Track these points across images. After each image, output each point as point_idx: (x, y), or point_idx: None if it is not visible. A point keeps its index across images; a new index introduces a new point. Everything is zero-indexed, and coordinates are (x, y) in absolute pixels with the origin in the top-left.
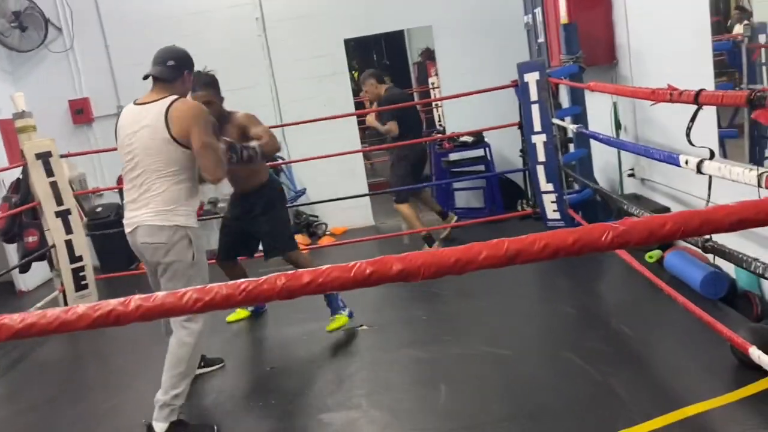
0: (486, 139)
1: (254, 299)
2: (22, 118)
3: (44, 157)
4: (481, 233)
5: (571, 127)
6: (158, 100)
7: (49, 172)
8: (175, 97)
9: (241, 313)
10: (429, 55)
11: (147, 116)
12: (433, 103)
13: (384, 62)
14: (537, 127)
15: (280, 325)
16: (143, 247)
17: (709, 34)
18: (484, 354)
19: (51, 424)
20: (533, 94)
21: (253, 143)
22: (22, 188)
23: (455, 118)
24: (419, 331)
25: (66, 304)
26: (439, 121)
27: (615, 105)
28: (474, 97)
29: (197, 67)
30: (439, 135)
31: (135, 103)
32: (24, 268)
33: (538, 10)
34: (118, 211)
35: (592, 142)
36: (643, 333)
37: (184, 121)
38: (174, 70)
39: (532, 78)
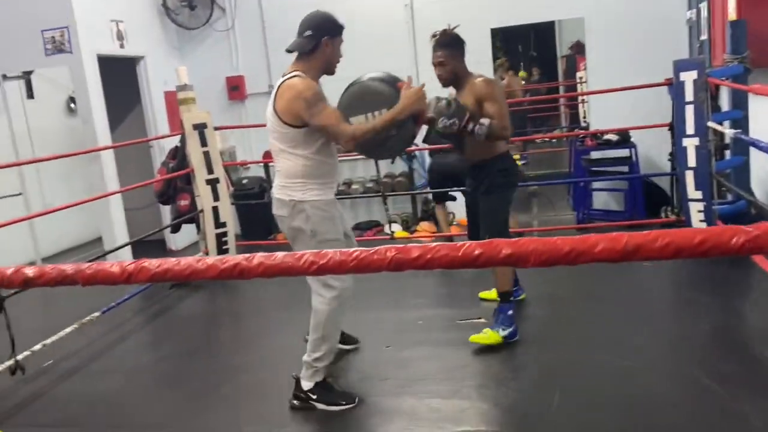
0: (632, 139)
1: (365, 268)
2: (183, 91)
3: (200, 128)
4: None
5: (729, 132)
6: (286, 74)
7: (204, 143)
8: (294, 74)
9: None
10: (579, 48)
11: (274, 90)
12: (579, 98)
13: (531, 53)
14: (690, 129)
15: (400, 309)
16: (276, 217)
17: None
18: (605, 363)
19: (186, 375)
20: (689, 94)
21: (483, 120)
22: (179, 155)
23: (601, 115)
24: (538, 330)
25: None
26: (584, 117)
27: None
28: (622, 94)
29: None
30: (581, 131)
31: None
32: (175, 229)
33: (703, 5)
34: (261, 184)
35: (753, 150)
36: None
37: (287, 101)
38: (311, 40)
39: (689, 77)
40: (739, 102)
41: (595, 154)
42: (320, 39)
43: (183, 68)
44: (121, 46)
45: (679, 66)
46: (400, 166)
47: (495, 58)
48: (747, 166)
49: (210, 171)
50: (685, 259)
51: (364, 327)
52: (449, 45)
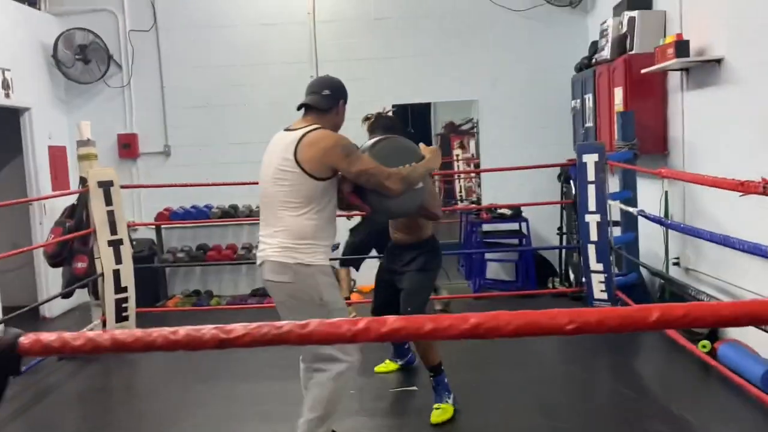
0: (523, 214)
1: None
2: (86, 146)
3: (106, 186)
4: (511, 306)
5: (633, 211)
6: (302, 127)
7: (108, 201)
8: (316, 127)
9: (390, 365)
10: (453, 128)
11: (284, 142)
12: (456, 175)
13: (409, 130)
14: (592, 206)
15: None
16: (267, 284)
17: None
18: (542, 426)
19: None
20: (590, 175)
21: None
22: (77, 214)
23: (492, 190)
24: (471, 396)
25: None
26: (460, 191)
27: (666, 194)
28: (512, 172)
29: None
30: (474, 205)
31: (284, 129)
32: (67, 294)
33: (588, 96)
34: (151, 247)
35: (640, 226)
36: (706, 421)
37: (322, 151)
38: (329, 99)
39: (590, 159)
40: (629, 184)
41: (487, 227)
42: (338, 101)
43: (86, 123)
44: (7, 95)
45: (581, 149)
46: None
47: None
48: (636, 241)
49: (113, 231)
50: None
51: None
52: (391, 128)
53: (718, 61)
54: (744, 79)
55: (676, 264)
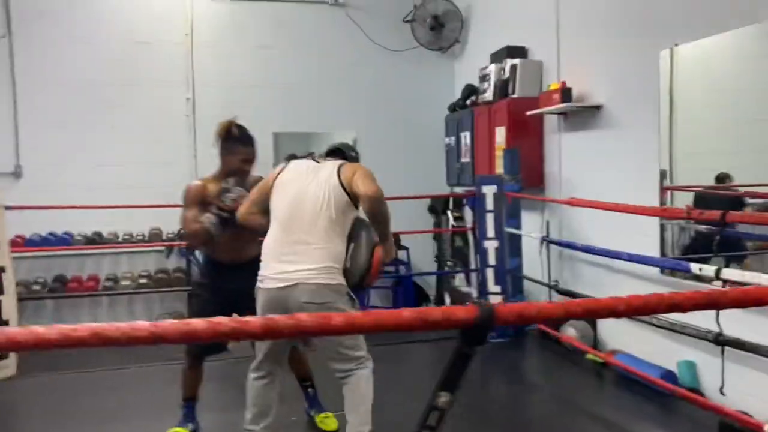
0: (402, 243)
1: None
2: None
3: None
4: None
5: (535, 236)
6: (326, 159)
7: None
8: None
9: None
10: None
11: (323, 168)
12: None
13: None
14: (490, 233)
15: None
16: (305, 306)
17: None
18: None
19: None
20: (489, 204)
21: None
22: None
23: None
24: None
25: None
26: None
27: (548, 222)
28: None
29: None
30: None
31: (306, 159)
32: None
33: (466, 134)
34: None
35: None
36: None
37: (362, 178)
38: (356, 157)
39: (489, 190)
40: (516, 213)
41: None
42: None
43: None
44: None
45: (481, 180)
46: (175, 260)
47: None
48: (521, 266)
49: None
50: None
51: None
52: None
53: (598, 107)
54: (620, 123)
55: (554, 286)
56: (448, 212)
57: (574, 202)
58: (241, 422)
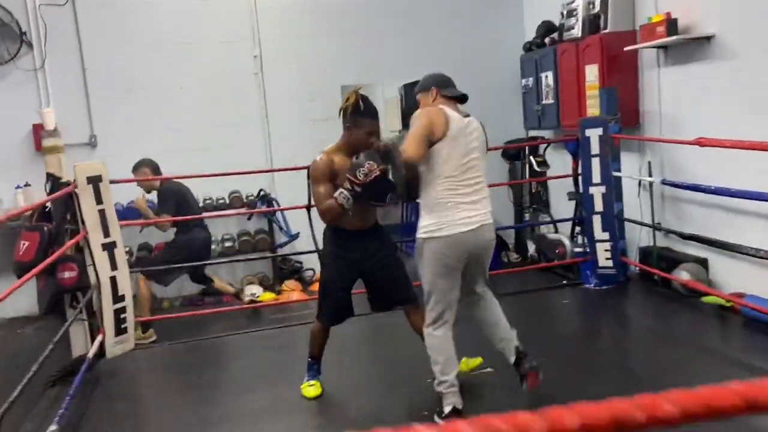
0: None
1: None
2: (51, 137)
3: (95, 182)
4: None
5: (652, 180)
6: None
7: (99, 199)
8: None
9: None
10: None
11: (476, 123)
12: None
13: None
14: (596, 179)
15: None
16: (488, 243)
17: None
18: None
19: None
20: (594, 148)
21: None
22: (56, 216)
23: None
24: None
25: (104, 352)
26: None
27: (650, 163)
28: None
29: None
30: None
31: (456, 113)
32: (51, 309)
33: (548, 74)
34: None
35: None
36: None
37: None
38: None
39: (594, 133)
40: (616, 156)
41: None
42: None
43: (49, 110)
44: None
45: (585, 123)
46: (256, 223)
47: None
48: (623, 210)
49: (106, 233)
50: None
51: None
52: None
53: (708, 38)
54: (737, 54)
55: (658, 227)
56: (531, 158)
57: (704, 142)
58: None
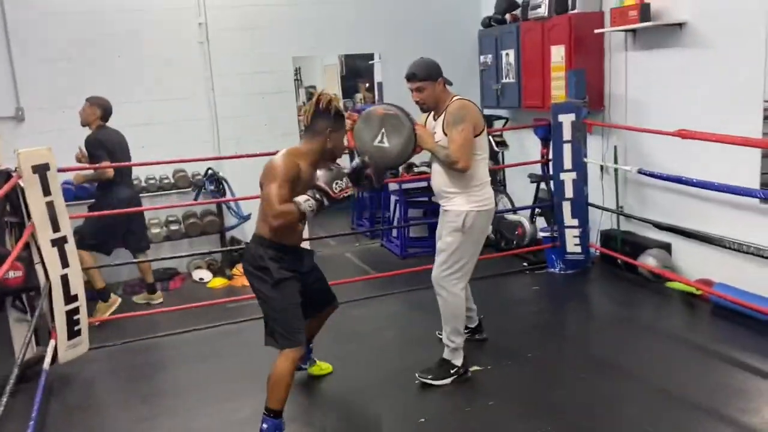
0: None
1: None
2: None
3: (41, 171)
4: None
5: (630, 169)
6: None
7: (46, 190)
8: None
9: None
10: None
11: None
12: None
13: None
14: (567, 165)
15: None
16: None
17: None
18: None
19: None
20: (566, 134)
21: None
22: None
23: None
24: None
25: (57, 357)
26: None
27: (615, 148)
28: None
29: None
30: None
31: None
32: None
33: (509, 52)
34: None
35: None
36: None
37: None
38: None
39: (567, 119)
40: (581, 140)
41: (407, 186)
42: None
43: None
44: None
45: (557, 109)
46: (205, 205)
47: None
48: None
49: (56, 228)
50: None
51: None
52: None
53: (680, 24)
54: (708, 42)
55: (621, 212)
56: (490, 137)
57: (685, 134)
58: None
